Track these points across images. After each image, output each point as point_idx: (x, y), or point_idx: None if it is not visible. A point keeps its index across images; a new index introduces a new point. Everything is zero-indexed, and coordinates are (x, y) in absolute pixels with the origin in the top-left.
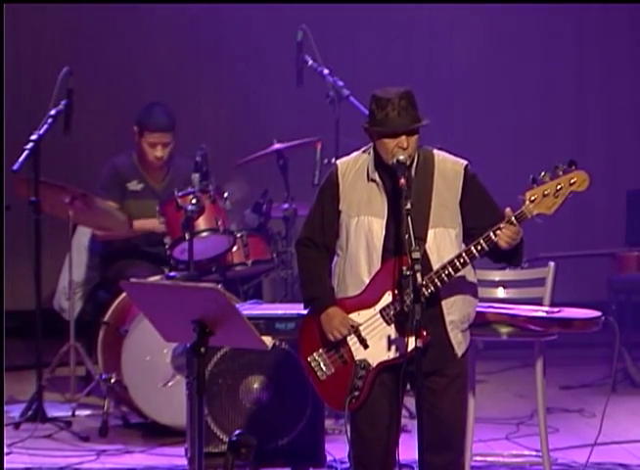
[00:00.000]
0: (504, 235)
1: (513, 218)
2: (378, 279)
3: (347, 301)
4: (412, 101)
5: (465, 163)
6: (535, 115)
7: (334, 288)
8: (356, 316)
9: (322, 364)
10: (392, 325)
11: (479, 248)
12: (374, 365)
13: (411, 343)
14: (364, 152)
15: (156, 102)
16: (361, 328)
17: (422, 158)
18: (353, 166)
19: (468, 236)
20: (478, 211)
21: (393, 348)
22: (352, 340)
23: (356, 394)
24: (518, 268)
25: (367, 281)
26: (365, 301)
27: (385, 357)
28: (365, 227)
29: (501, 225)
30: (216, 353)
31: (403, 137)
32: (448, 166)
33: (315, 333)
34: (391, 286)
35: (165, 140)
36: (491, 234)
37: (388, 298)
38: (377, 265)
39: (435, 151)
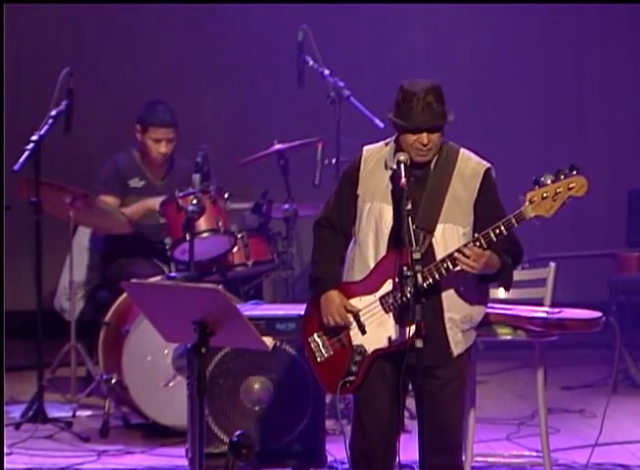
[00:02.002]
0: (461, 255)
1: (481, 238)
2: (381, 266)
3: (351, 285)
4: (438, 96)
5: (488, 165)
6: (536, 115)
7: (340, 272)
8: (357, 302)
9: (321, 346)
10: (390, 314)
11: (477, 244)
12: (369, 352)
13: (405, 333)
14: (389, 141)
15: (157, 100)
16: (361, 313)
17: (445, 153)
18: (377, 154)
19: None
20: (486, 217)
21: (390, 336)
22: (352, 324)
23: (351, 378)
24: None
25: (372, 267)
26: (367, 287)
27: (380, 345)
28: (376, 213)
29: (466, 244)
30: (217, 354)
31: (424, 134)
32: (469, 166)
33: (316, 314)
34: (393, 274)
35: (170, 136)
36: (490, 232)
37: (388, 286)
38: (383, 252)
39: (462, 149)
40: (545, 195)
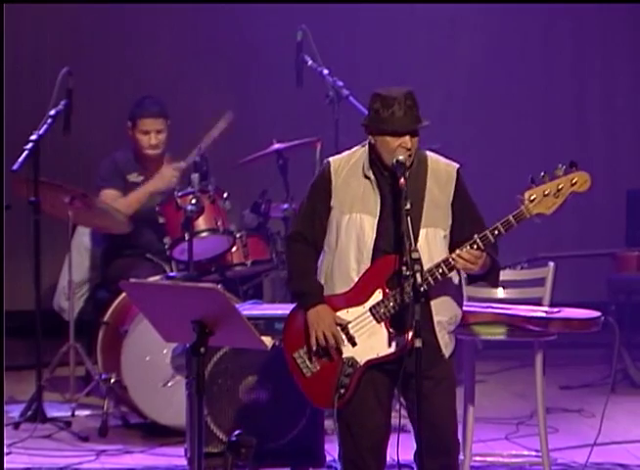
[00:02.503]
0: (460, 258)
1: (479, 240)
2: (368, 277)
3: (336, 298)
4: (415, 101)
5: (457, 166)
6: (536, 115)
7: (322, 285)
8: (345, 314)
9: (307, 361)
10: (382, 323)
11: (475, 247)
12: (362, 363)
13: (401, 340)
14: (358, 149)
15: (146, 95)
16: (350, 326)
17: (416, 159)
18: (346, 164)
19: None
20: (463, 217)
21: (382, 346)
22: (342, 338)
23: (342, 391)
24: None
25: (355, 279)
26: (354, 298)
27: (373, 356)
28: (357, 225)
29: (463, 248)
30: (216, 353)
31: (407, 137)
32: (441, 168)
33: (302, 329)
34: (382, 284)
35: (158, 127)
36: (488, 233)
37: (378, 295)
38: (366, 263)
39: (428, 152)
40: (546, 192)
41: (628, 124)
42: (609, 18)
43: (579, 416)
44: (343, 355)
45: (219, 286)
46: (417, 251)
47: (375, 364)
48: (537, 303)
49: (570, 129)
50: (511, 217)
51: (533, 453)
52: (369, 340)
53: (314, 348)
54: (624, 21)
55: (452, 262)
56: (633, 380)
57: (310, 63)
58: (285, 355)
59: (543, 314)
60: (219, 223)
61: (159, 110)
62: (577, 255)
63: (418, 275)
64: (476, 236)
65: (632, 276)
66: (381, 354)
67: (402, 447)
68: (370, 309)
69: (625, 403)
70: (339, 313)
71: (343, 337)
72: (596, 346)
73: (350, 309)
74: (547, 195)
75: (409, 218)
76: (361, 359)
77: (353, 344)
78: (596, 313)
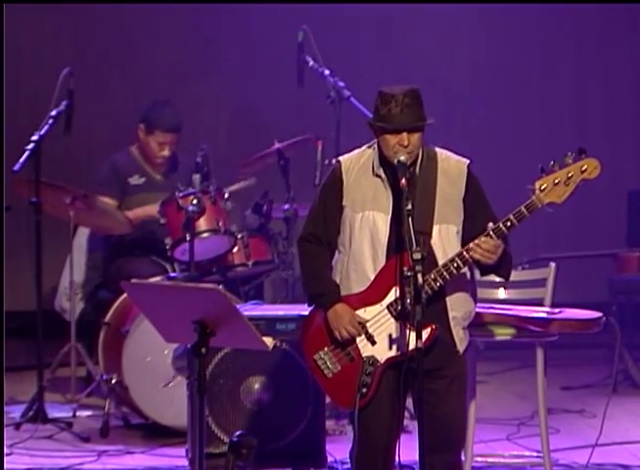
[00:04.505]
0: (478, 248)
1: (492, 232)
2: (383, 275)
3: (353, 297)
4: (417, 99)
5: (467, 161)
6: (536, 115)
7: (338, 284)
8: (362, 313)
9: (328, 362)
10: (400, 321)
11: (490, 238)
12: (382, 361)
13: (417, 340)
14: (367, 148)
15: (163, 101)
16: (368, 325)
17: (425, 156)
18: (357, 163)
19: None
20: (475, 212)
21: (401, 343)
22: (359, 337)
23: (364, 390)
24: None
25: (372, 277)
26: (371, 297)
27: (392, 353)
28: (370, 223)
29: (481, 238)
30: (217, 354)
31: (404, 134)
32: (452, 164)
33: (321, 330)
34: (398, 281)
35: (174, 140)
36: (501, 225)
37: (394, 293)
38: (382, 261)
39: (438, 149)
40: (557, 181)
41: (629, 124)
42: (609, 18)
43: (581, 417)
44: (363, 355)
45: (220, 286)
46: (418, 251)
47: (393, 363)
48: (539, 303)
49: (570, 129)
50: (523, 208)
51: (535, 454)
52: (388, 338)
53: (337, 345)
54: (624, 21)
55: (467, 255)
56: (634, 380)
57: (311, 63)
58: (305, 358)
59: (544, 315)
60: (220, 224)
61: (179, 123)
62: (578, 255)
63: (419, 276)
64: (489, 225)
65: (633, 277)
66: (400, 352)
67: (404, 448)
68: (387, 307)
69: (627, 404)
70: (356, 312)
71: (362, 335)
72: (597, 346)
73: (368, 308)
74: (557, 183)
75: (410, 219)
76: (381, 358)
77: (373, 342)
78: (597, 314)
